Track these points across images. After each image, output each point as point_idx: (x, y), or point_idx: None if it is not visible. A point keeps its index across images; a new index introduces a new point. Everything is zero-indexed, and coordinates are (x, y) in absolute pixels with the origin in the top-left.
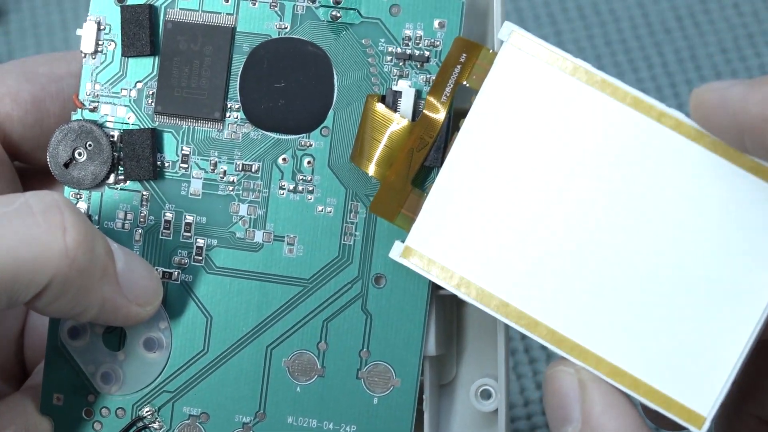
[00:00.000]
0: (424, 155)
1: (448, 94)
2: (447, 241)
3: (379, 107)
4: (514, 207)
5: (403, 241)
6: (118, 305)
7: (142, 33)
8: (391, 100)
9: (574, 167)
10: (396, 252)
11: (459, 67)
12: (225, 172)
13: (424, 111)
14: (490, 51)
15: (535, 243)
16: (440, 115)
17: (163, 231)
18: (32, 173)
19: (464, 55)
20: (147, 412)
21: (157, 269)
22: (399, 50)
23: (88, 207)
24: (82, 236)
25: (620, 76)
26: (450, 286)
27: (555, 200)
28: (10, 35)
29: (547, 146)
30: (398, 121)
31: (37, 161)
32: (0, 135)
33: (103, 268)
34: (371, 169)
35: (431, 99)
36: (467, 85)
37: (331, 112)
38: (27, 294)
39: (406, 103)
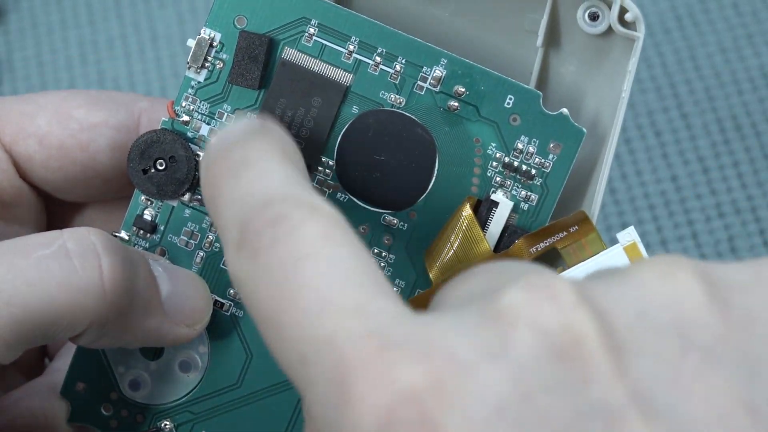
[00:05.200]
0: None
1: (539, 249)
2: None
3: (472, 219)
4: None
5: None
6: (165, 332)
7: (254, 67)
8: (486, 208)
9: None
10: None
11: (565, 233)
12: None
13: (509, 249)
14: (602, 242)
15: None
16: None
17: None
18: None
19: (576, 227)
20: (166, 426)
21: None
22: (507, 159)
23: (157, 215)
24: (120, 278)
25: None
26: None
27: None
28: (10, 35)
29: None
30: (482, 244)
31: (60, 197)
32: (20, 172)
33: (145, 302)
34: (433, 273)
35: (522, 244)
36: (560, 252)
37: (422, 199)
38: (65, 336)
39: (500, 215)
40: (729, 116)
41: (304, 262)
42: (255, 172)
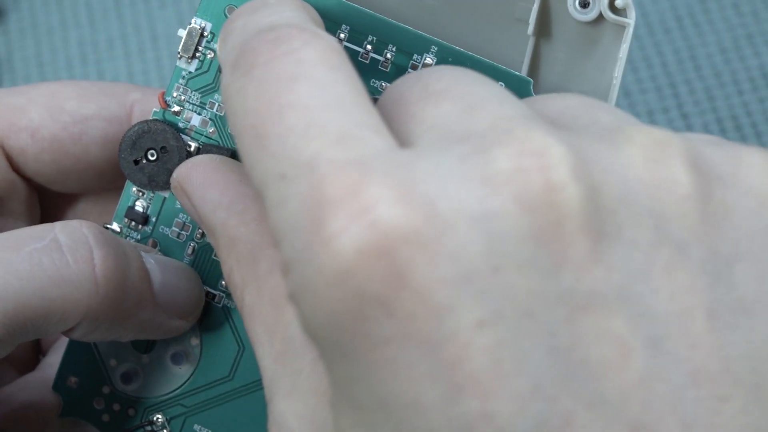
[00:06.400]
0: None
1: None
2: None
3: None
4: None
5: None
6: (157, 324)
7: None
8: None
9: None
10: None
11: None
12: None
13: None
14: None
15: None
16: None
17: None
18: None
19: None
20: (158, 419)
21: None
22: None
23: (148, 207)
24: (112, 271)
25: None
26: None
27: None
28: (10, 35)
29: None
30: None
31: (53, 190)
32: (13, 166)
33: (137, 295)
34: None
35: None
36: None
37: None
38: (57, 330)
39: None
40: (729, 116)
41: (298, 81)
42: (268, 10)
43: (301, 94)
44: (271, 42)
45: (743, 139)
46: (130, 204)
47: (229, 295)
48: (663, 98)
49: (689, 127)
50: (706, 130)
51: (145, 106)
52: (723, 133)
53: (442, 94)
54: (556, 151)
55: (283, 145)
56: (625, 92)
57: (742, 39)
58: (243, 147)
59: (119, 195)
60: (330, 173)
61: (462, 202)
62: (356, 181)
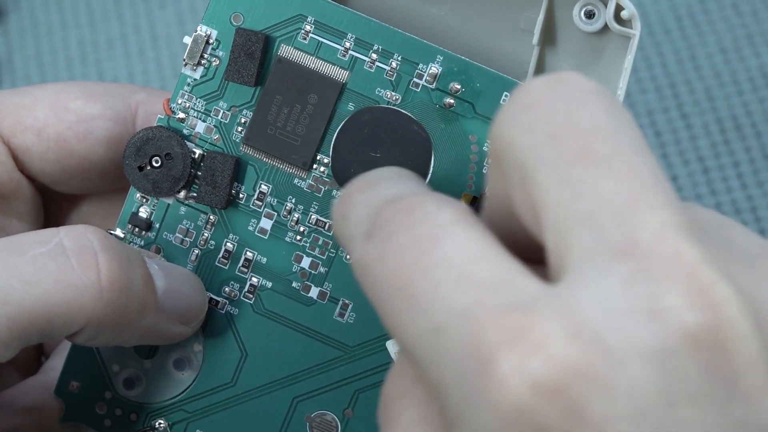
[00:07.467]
0: None
1: None
2: None
3: None
4: None
5: None
6: (161, 330)
7: (250, 64)
8: (480, 206)
9: None
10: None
11: None
12: (297, 220)
13: None
14: None
15: None
16: None
17: (221, 259)
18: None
19: None
20: (160, 424)
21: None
22: None
23: (152, 213)
24: (117, 276)
25: None
26: None
27: None
28: (10, 35)
29: None
30: None
31: (57, 190)
32: (18, 165)
33: (141, 301)
34: None
35: None
36: None
37: None
38: (61, 334)
39: None
40: (729, 116)
41: (440, 240)
42: (387, 183)
43: (446, 250)
44: (404, 210)
45: (743, 139)
46: (133, 210)
47: (232, 302)
48: (663, 98)
49: (689, 127)
50: (706, 130)
51: (150, 108)
52: (723, 133)
53: (594, 214)
54: (724, 288)
55: (433, 299)
56: (625, 92)
57: (742, 39)
58: (388, 311)
59: (123, 197)
60: (491, 317)
61: (633, 337)
62: (522, 321)
